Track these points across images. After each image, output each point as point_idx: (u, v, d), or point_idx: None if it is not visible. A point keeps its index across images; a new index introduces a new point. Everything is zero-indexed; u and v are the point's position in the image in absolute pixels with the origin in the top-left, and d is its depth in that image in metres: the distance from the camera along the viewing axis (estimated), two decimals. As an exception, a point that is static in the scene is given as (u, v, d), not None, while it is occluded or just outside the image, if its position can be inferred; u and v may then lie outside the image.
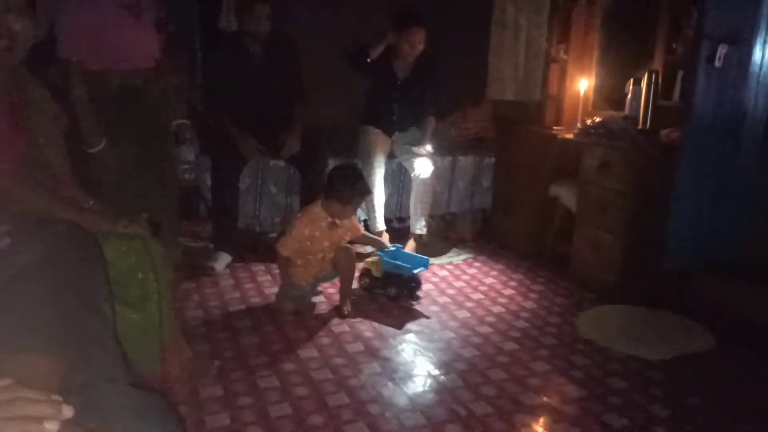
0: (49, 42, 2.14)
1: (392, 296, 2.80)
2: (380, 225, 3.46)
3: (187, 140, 2.70)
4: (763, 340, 2.58)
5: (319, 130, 3.32)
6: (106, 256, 1.36)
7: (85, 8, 2.18)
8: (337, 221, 2.64)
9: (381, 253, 2.88)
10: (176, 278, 2.14)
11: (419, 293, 2.87)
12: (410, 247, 3.41)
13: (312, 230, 2.60)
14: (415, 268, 2.81)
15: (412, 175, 3.46)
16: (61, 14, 2.16)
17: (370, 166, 3.38)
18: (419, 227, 3.49)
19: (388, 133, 3.55)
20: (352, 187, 2.58)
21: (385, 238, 3.31)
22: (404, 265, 2.81)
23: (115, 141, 2.27)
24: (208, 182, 3.14)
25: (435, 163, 3.49)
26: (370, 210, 3.45)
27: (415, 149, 3.45)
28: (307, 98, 3.35)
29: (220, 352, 2.21)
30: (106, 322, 1.13)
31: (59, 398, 0.76)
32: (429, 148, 3.46)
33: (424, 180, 3.42)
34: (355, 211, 2.76)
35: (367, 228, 3.25)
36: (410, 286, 2.83)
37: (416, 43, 3.32)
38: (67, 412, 0.75)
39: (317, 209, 2.63)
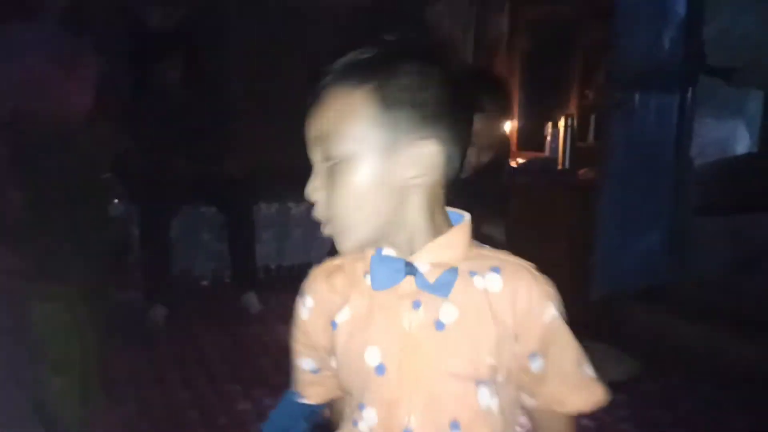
0: None
1: None
2: None
3: (116, 196, 2.62)
4: (688, 364, 2.73)
5: (249, 176, 3.31)
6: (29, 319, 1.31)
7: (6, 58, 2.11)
8: None
9: None
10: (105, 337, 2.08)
11: None
12: None
13: None
14: None
15: None
16: None
17: None
18: None
19: None
20: None
21: None
22: None
23: (40, 198, 2.16)
24: (136, 232, 3.07)
25: None
26: None
27: None
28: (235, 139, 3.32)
29: (150, 411, 2.14)
30: (25, 389, 1.09)
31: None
32: None
33: None
34: None
35: None
36: None
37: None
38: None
39: None
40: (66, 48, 2.25)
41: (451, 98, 0.69)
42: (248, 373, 2.48)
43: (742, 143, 3.40)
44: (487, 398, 0.73)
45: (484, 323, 0.71)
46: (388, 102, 0.67)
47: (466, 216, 0.76)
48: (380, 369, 0.72)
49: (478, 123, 1.21)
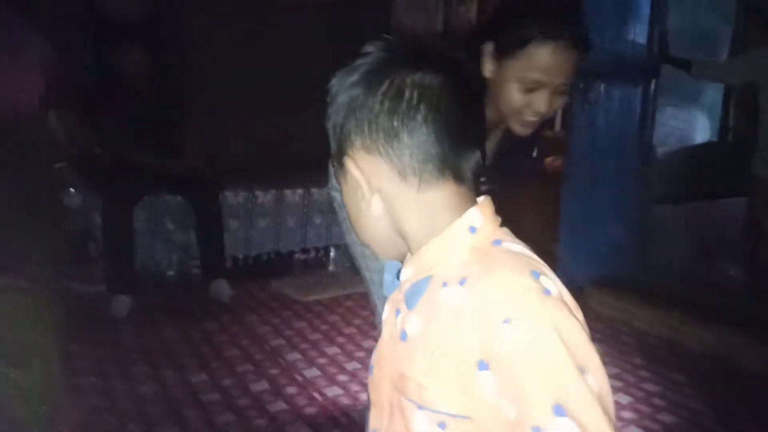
0: None
1: None
2: None
3: (71, 185, 2.55)
4: (651, 350, 2.79)
5: (213, 162, 3.27)
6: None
7: None
8: None
9: None
10: (66, 330, 2.03)
11: None
12: None
13: None
14: None
15: None
16: None
17: None
18: None
19: None
20: None
21: None
22: None
23: None
24: (98, 222, 2.99)
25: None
26: None
27: None
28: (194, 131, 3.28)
29: (115, 405, 2.10)
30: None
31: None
32: None
33: None
34: None
35: None
36: None
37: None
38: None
39: None
40: (18, 36, 2.18)
41: (345, 113, 0.67)
42: (216, 363, 2.45)
43: (703, 132, 3.48)
44: (423, 426, 0.63)
45: (440, 342, 0.63)
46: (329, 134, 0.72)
47: (466, 213, 0.67)
48: (371, 370, 0.76)
49: (548, 55, 1.12)
